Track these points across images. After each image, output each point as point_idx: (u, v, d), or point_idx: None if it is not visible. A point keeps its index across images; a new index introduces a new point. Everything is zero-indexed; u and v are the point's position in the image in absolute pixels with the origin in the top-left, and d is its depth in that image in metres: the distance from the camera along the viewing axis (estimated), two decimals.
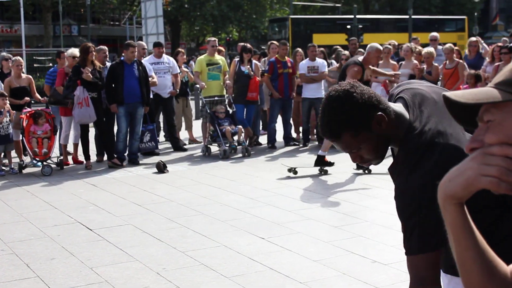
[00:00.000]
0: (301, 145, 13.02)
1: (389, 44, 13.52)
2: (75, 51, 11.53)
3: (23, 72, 11.83)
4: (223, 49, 14.50)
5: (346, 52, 13.89)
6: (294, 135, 13.63)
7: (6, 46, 39.66)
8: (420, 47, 13.80)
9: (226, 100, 12.58)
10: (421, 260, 2.28)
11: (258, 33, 49.07)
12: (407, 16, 40.48)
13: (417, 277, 2.30)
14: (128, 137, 11.28)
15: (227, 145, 11.83)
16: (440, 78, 12.48)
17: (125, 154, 11.34)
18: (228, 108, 12.42)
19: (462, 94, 1.40)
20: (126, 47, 11.28)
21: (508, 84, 1.35)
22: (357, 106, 2.35)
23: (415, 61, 12.58)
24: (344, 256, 6.10)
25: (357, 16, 38.68)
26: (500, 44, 12.72)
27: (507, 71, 1.36)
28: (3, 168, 10.70)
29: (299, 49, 14.36)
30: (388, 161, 2.50)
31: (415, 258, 2.30)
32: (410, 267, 2.33)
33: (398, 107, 2.47)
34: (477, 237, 1.44)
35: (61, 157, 11.17)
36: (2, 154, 10.85)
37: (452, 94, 1.40)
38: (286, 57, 13.02)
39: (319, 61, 13.11)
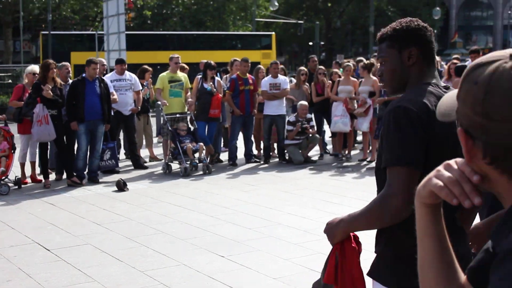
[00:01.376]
0: (262, 162, 13.05)
1: (349, 62, 13.72)
2: (35, 68, 11.43)
3: None
4: (187, 66, 14.46)
5: (304, 69, 14.01)
6: (255, 152, 13.65)
7: None
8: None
9: (188, 117, 12.56)
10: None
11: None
12: (197, 32, 38.48)
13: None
14: (88, 155, 11.18)
15: (188, 162, 11.80)
16: None
17: (85, 172, 11.23)
18: (190, 125, 12.40)
19: (441, 106, 1.50)
20: (88, 64, 11.19)
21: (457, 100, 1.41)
22: (412, 28, 2.72)
23: (375, 78, 12.74)
24: (304, 273, 6.12)
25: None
26: (455, 61, 12.91)
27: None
28: None
29: (261, 66, 14.44)
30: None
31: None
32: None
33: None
34: (441, 243, 1.48)
35: (19, 176, 11.01)
36: None
37: (439, 105, 1.50)
38: (247, 74, 13.06)
39: (281, 78, 13.19)
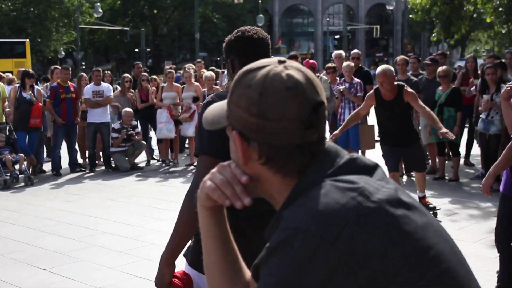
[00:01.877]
0: (87, 171, 12.79)
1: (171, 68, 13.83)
2: None
3: None
4: (4, 75, 13.85)
5: (129, 76, 13.92)
6: (80, 161, 13.34)
7: None
8: (204, 70, 14.19)
9: (7, 128, 12.03)
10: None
11: (43, 57, 47.56)
12: None
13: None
14: None
15: (8, 174, 11.32)
16: None
17: None
18: (9, 136, 11.89)
19: (207, 116, 1.55)
20: None
21: (227, 107, 1.48)
22: (230, 40, 2.85)
23: (197, 84, 12.92)
24: (129, 280, 6.09)
25: None
26: None
27: (229, 91, 1.48)
28: None
29: (84, 74, 14.19)
30: None
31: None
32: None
33: None
34: (224, 243, 1.55)
35: None
36: None
37: (204, 116, 1.55)
38: (68, 82, 12.74)
39: (104, 85, 13.00)
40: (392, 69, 7.87)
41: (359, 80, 11.19)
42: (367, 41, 73.26)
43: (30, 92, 11.95)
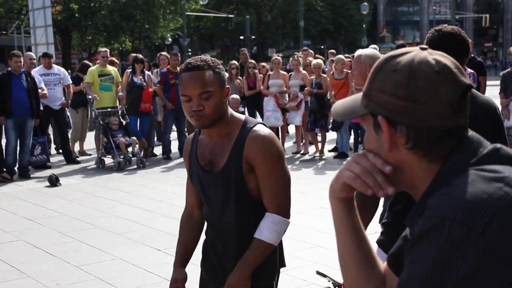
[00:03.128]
0: None
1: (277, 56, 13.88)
2: None
3: None
4: (116, 60, 14.35)
5: (235, 63, 14.07)
6: None
7: None
8: (311, 58, 14.17)
9: (119, 112, 12.44)
10: None
11: (151, 44, 48.76)
12: None
13: None
14: (17, 150, 10.96)
15: (121, 157, 11.71)
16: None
17: (15, 168, 11.01)
18: (122, 120, 12.30)
19: (337, 109, 1.54)
20: (10, 57, 10.98)
21: (365, 95, 1.47)
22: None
23: (305, 72, 12.90)
24: None
25: None
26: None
27: (367, 79, 1.48)
28: None
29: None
30: None
31: None
32: None
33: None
34: (358, 234, 1.55)
35: None
36: None
37: (333, 109, 1.54)
38: (177, 68, 13.02)
39: None
40: None
41: (472, 71, 10.85)
42: (475, 31, 71.04)
43: (141, 77, 12.30)
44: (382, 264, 1.57)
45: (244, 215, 2.89)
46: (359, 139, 12.76)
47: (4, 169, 10.78)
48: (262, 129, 2.88)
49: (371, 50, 4.71)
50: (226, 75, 2.91)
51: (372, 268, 1.55)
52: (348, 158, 1.59)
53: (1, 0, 38.93)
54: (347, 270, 1.57)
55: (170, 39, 51.23)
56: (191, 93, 2.74)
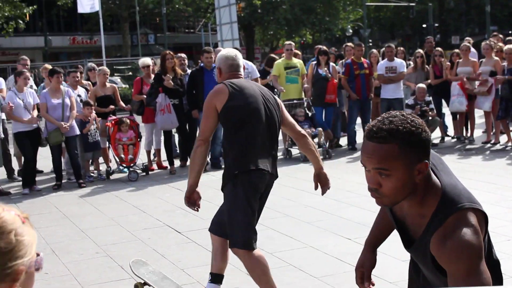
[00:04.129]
0: None
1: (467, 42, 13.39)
2: (146, 61, 11.88)
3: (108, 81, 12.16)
4: (299, 53, 14.56)
5: (421, 51, 13.76)
6: None
7: (87, 57, 40.90)
8: (501, 44, 13.53)
9: (305, 103, 12.62)
10: None
11: (332, 36, 48.91)
12: None
13: None
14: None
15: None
16: None
17: (208, 159, 11.52)
18: (307, 111, 12.47)
19: None
20: (202, 53, 11.52)
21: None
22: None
23: (497, 58, 12.32)
24: None
25: None
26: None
27: None
28: (92, 174, 11.05)
29: (374, 50, 14.33)
30: None
31: None
32: None
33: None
34: None
35: (146, 163, 11.44)
36: (90, 161, 11.21)
37: None
38: (362, 58, 12.98)
39: (398, 61, 13.03)
40: None
41: None
42: None
43: (326, 69, 12.38)
44: None
45: None
46: None
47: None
48: (457, 227, 2.23)
49: None
50: (430, 137, 2.29)
51: None
52: None
53: (189, 0, 40.84)
54: None
55: (350, 31, 51.09)
56: (366, 164, 2.29)
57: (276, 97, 4.91)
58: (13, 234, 1.53)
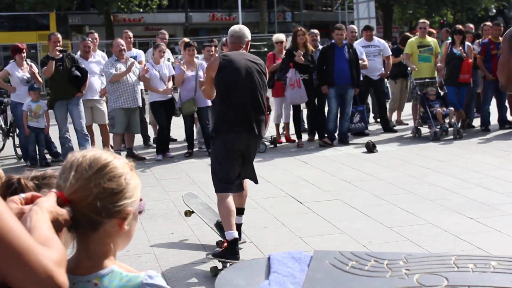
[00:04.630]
0: None
1: None
2: (280, 37, 12.11)
3: None
4: (434, 31, 14.25)
5: None
6: (510, 118, 13.03)
7: (225, 33, 41.71)
8: None
9: (437, 82, 12.36)
10: None
11: (474, 15, 47.13)
12: None
13: None
14: (338, 117, 11.53)
15: (438, 127, 11.65)
16: None
17: (335, 134, 11.60)
18: (439, 90, 12.21)
19: None
20: (333, 30, 11.56)
21: None
22: None
23: None
24: None
25: None
26: None
27: None
28: None
29: None
30: None
31: None
32: None
33: None
34: None
35: (275, 136, 11.68)
36: None
37: None
38: (500, 38, 12.51)
39: None
40: None
41: None
42: None
43: (461, 48, 12.06)
44: None
45: None
46: None
47: (326, 135, 11.42)
48: None
49: None
50: None
51: None
52: None
53: None
54: None
55: (494, 10, 49.01)
56: None
57: (261, 66, 5.83)
58: (123, 178, 1.74)
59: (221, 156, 5.65)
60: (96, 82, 11.00)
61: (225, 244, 5.49)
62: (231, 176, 5.70)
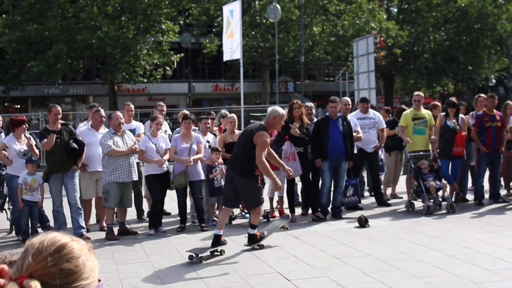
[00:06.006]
0: (511, 203, 12.47)
1: None
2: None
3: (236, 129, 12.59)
4: (439, 104, 14.48)
5: None
6: (503, 192, 13.06)
7: (227, 103, 42.36)
8: None
9: (431, 155, 12.45)
10: None
11: (474, 85, 47.67)
12: None
13: None
14: (331, 191, 11.57)
15: (431, 200, 11.68)
16: None
17: (329, 208, 11.61)
18: (433, 163, 12.29)
19: None
20: (328, 103, 11.71)
21: None
22: None
23: None
24: None
25: None
26: None
27: None
28: (215, 218, 11.44)
29: (510, 102, 13.90)
30: None
31: None
32: None
33: None
34: None
35: (268, 210, 11.69)
36: (216, 205, 11.61)
37: None
38: (494, 110, 12.67)
39: None
40: None
41: None
42: None
43: (454, 120, 12.19)
44: None
45: None
46: None
47: (319, 209, 11.43)
48: None
49: None
50: None
51: None
52: None
53: (330, 49, 41.31)
54: None
55: (494, 80, 49.58)
56: None
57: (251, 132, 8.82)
58: (81, 259, 1.83)
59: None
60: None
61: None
62: (227, 195, 9.43)
